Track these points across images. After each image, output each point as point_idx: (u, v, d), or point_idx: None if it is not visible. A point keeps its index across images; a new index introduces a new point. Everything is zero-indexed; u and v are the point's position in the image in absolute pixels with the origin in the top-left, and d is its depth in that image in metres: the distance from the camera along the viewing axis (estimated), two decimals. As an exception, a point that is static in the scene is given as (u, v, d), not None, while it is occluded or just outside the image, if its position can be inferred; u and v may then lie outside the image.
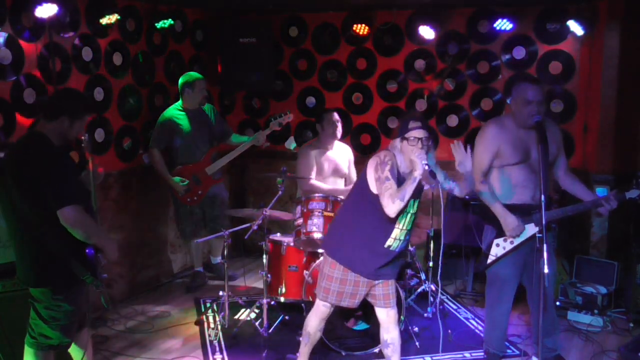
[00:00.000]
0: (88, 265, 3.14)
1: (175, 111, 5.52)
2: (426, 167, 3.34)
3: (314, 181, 5.17)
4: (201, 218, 5.68)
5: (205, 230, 5.61)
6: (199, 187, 5.53)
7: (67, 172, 3.06)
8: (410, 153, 3.42)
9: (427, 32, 5.84)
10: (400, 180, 3.47)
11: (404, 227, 3.57)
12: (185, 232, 5.69)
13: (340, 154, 5.38)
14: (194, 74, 5.50)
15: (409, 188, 3.37)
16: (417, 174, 3.36)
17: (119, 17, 5.05)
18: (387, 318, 3.74)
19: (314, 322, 3.82)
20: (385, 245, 3.57)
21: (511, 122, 3.91)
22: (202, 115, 5.59)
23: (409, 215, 3.56)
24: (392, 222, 3.50)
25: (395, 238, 3.56)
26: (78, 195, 3.05)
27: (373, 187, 3.50)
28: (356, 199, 3.67)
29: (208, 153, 5.55)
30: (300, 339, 3.94)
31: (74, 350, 3.53)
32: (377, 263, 3.60)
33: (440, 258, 3.93)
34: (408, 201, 3.41)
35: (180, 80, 5.50)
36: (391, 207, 3.38)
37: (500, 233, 3.92)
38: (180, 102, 5.54)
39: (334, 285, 3.66)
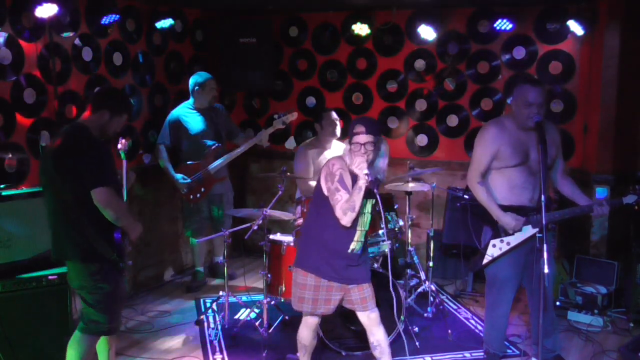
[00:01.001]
0: (115, 248, 3.39)
1: (184, 110, 5.59)
2: (367, 177, 3.35)
3: (312, 182, 5.17)
4: (208, 216, 5.70)
5: (210, 229, 5.64)
6: (202, 185, 5.55)
7: (102, 158, 3.33)
8: (352, 161, 3.42)
9: (427, 32, 5.84)
10: (355, 182, 3.46)
11: (363, 228, 3.61)
12: (192, 229, 5.70)
13: (338, 153, 5.36)
14: (204, 74, 5.57)
15: (357, 198, 3.40)
16: (362, 184, 3.38)
17: (119, 18, 5.05)
18: (368, 321, 3.72)
19: (306, 333, 3.81)
20: (349, 250, 3.59)
21: (511, 123, 3.91)
22: (211, 114, 5.64)
23: (365, 215, 3.60)
24: (352, 226, 3.52)
25: (357, 240, 3.60)
26: (111, 179, 3.32)
27: (327, 195, 3.53)
28: (316, 207, 3.67)
29: (212, 151, 5.57)
30: (298, 353, 3.93)
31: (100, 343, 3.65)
32: (344, 267, 3.61)
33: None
34: (360, 205, 3.44)
35: (191, 80, 5.56)
36: (344, 219, 3.44)
37: (497, 234, 3.92)
38: (191, 100, 5.60)
39: (308, 293, 3.65)
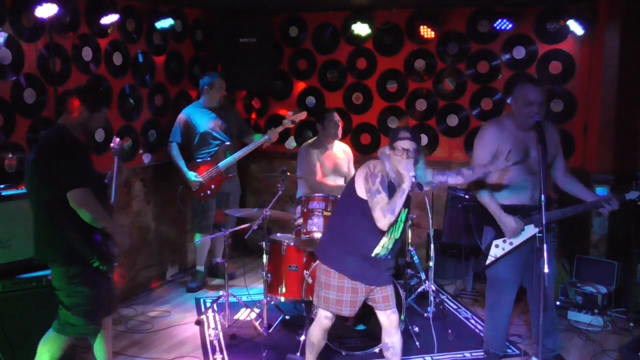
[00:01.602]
0: (96, 250, 3.35)
1: (194, 109, 5.68)
2: (413, 180, 3.37)
3: (321, 179, 5.18)
4: (215, 214, 5.77)
5: (215, 228, 5.69)
6: (212, 182, 5.60)
7: (78, 160, 3.33)
8: (398, 164, 3.44)
9: (427, 32, 5.84)
10: (390, 188, 3.48)
11: (393, 237, 3.60)
12: (200, 226, 5.74)
13: (340, 153, 5.39)
14: (213, 74, 5.73)
15: (399, 201, 3.40)
16: (406, 186, 3.39)
17: (119, 18, 5.04)
18: (388, 322, 3.72)
19: (317, 333, 3.79)
20: (373, 254, 3.58)
21: (510, 123, 3.91)
22: (222, 112, 5.72)
23: (398, 223, 3.59)
24: (382, 231, 3.51)
25: (384, 246, 3.59)
26: (88, 181, 3.30)
27: (363, 196, 3.51)
28: (346, 206, 3.67)
29: (222, 149, 5.62)
30: (305, 349, 3.92)
31: (96, 340, 3.64)
32: (369, 269, 3.61)
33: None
34: (399, 212, 3.44)
35: (202, 80, 5.69)
36: (383, 221, 3.41)
37: (500, 234, 3.92)
38: (201, 100, 5.72)
39: (332, 294, 3.64)
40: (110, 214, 3.53)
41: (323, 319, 3.73)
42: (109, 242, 3.45)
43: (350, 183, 3.61)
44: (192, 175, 5.55)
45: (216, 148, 5.63)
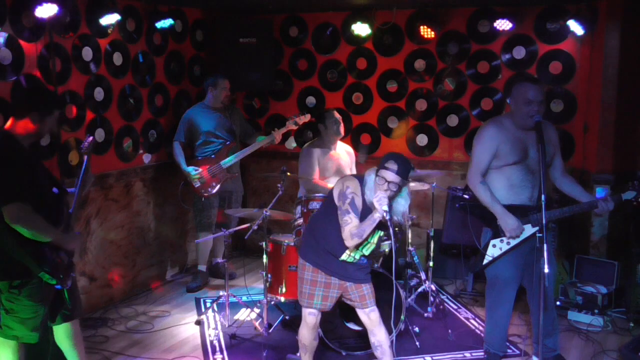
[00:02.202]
0: (45, 263, 3.18)
1: (198, 109, 5.71)
2: (385, 215, 3.37)
3: (318, 180, 5.18)
4: (217, 213, 5.78)
5: (218, 226, 5.69)
6: (214, 180, 5.60)
7: (16, 170, 3.11)
8: (373, 194, 3.45)
9: (427, 32, 5.84)
10: (364, 209, 3.51)
11: (362, 252, 3.65)
12: (202, 224, 5.74)
13: (343, 153, 5.39)
14: (218, 75, 5.75)
15: (368, 228, 3.45)
16: (377, 217, 3.42)
17: (119, 18, 5.04)
18: (368, 320, 3.74)
19: (306, 333, 3.82)
20: (340, 258, 3.64)
21: (509, 122, 3.91)
22: (225, 113, 5.75)
23: (369, 244, 3.65)
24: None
25: (350, 255, 3.64)
26: (25, 194, 3.09)
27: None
28: (326, 208, 3.72)
29: (225, 147, 5.65)
30: (298, 353, 3.94)
31: (64, 345, 3.56)
32: (341, 267, 3.67)
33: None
34: (368, 235, 3.49)
35: (206, 81, 5.72)
36: (349, 242, 3.49)
37: (497, 234, 3.91)
38: (206, 100, 5.74)
39: (305, 287, 3.71)
40: (67, 223, 3.36)
41: (307, 316, 3.76)
42: (60, 254, 3.26)
43: (331, 192, 3.66)
44: (190, 169, 5.56)
45: (219, 147, 5.65)
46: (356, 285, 3.69)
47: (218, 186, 5.64)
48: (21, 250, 3.15)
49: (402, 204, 3.56)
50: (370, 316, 3.71)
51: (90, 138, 3.57)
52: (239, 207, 5.90)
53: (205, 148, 5.66)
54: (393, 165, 3.42)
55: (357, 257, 3.65)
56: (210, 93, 5.68)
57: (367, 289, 3.71)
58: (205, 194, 5.63)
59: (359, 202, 3.52)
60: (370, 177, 3.51)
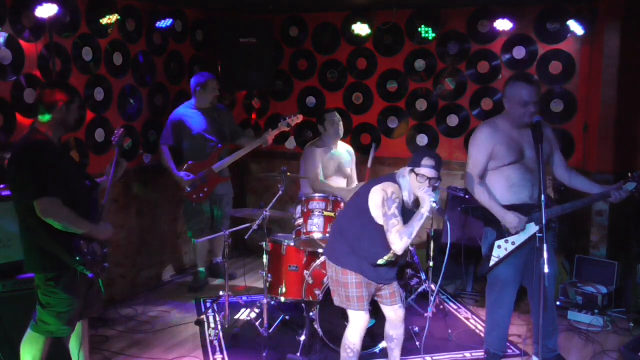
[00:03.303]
0: (78, 255, 3.25)
1: (186, 110, 5.59)
2: (434, 205, 3.36)
3: (323, 180, 5.17)
4: (209, 217, 5.72)
5: (212, 229, 5.64)
6: (205, 185, 5.56)
7: (46, 165, 3.20)
8: (417, 189, 3.46)
9: (427, 32, 5.84)
10: (404, 211, 3.50)
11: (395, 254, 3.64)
12: (194, 229, 5.70)
13: (344, 153, 5.39)
14: (205, 74, 5.60)
15: (417, 225, 3.41)
16: (425, 211, 3.40)
17: (119, 17, 5.05)
18: (395, 316, 3.83)
19: (357, 338, 3.72)
20: (378, 262, 3.64)
21: (503, 122, 3.91)
22: (214, 114, 5.64)
23: None
24: (389, 248, 3.55)
25: (388, 259, 3.65)
26: (55, 188, 3.18)
27: (378, 219, 3.53)
28: (357, 218, 3.64)
29: (216, 151, 5.58)
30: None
31: (72, 343, 3.61)
32: (376, 271, 3.67)
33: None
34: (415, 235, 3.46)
35: (193, 80, 5.57)
36: (398, 244, 3.43)
37: (501, 234, 3.91)
38: (192, 100, 5.61)
39: (352, 291, 3.65)
40: (99, 215, 3.45)
41: (359, 319, 3.68)
42: (93, 245, 3.34)
43: (362, 199, 3.58)
44: (183, 175, 5.48)
45: (209, 150, 5.56)
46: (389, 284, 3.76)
47: (209, 191, 5.59)
48: (55, 243, 3.23)
49: (438, 196, 3.57)
50: (397, 312, 3.81)
51: (121, 130, 3.72)
52: (230, 209, 5.79)
53: (195, 151, 5.54)
54: (430, 162, 3.46)
55: (394, 258, 3.65)
56: (198, 94, 5.54)
57: (396, 286, 3.79)
58: (196, 199, 5.57)
59: (400, 206, 3.51)
60: (405, 178, 3.52)
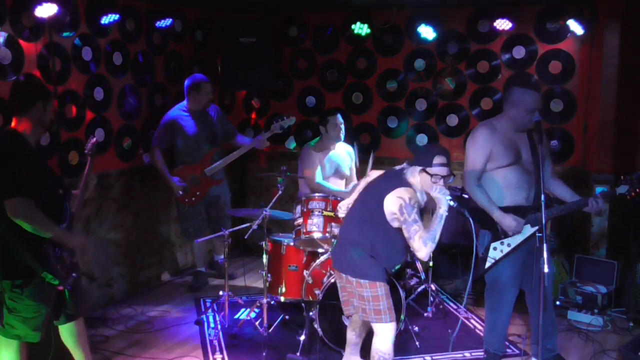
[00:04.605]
0: (47, 263, 3.20)
1: (179, 112, 5.53)
2: (452, 203, 3.31)
3: (321, 181, 5.17)
4: (205, 218, 5.69)
5: (208, 230, 5.61)
6: (197, 188, 5.53)
7: (20, 166, 3.15)
8: (430, 189, 3.39)
9: (427, 32, 5.84)
10: (419, 213, 3.46)
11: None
12: (189, 231, 5.68)
13: (343, 154, 5.37)
14: (200, 77, 5.52)
15: (438, 228, 3.32)
16: (444, 211, 3.33)
17: (116, 17, 5.04)
18: (359, 318, 3.82)
19: (387, 345, 3.55)
20: (396, 268, 3.66)
21: (501, 124, 3.92)
22: (207, 116, 5.59)
23: None
24: (405, 252, 3.56)
25: (400, 264, 3.70)
26: (27, 189, 3.12)
27: (394, 223, 3.46)
28: (375, 224, 3.51)
29: (209, 154, 5.55)
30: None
31: (67, 344, 3.59)
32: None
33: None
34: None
35: (186, 82, 5.50)
36: (423, 251, 3.33)
37: (497, 236, 3.91)
38: (185, 102, 5.55)
39: (383, 303, 3.52)
40: (69, 223, 3.38)
41: (392, 330, 3.55)
42: (63, 254, 3.28)
43: (377, 206, 3.47)
44: (176, 180, 5.43)
45: (202, 153, 5.52)
46: None
47: (202, 194, 5.56)
48: (24, 251, 3.17)
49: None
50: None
51: (94, 139, 3.61)
52: (228, 208, 5.75)
53: (188, 154, 5.50)
54: (442, 159, 3.40)
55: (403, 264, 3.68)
56: (192, 96, 5.46)
57: None
58: (188, 202, 5.54)
59: (419, 211, 3.43)
60: (415, 178, 3.47)
